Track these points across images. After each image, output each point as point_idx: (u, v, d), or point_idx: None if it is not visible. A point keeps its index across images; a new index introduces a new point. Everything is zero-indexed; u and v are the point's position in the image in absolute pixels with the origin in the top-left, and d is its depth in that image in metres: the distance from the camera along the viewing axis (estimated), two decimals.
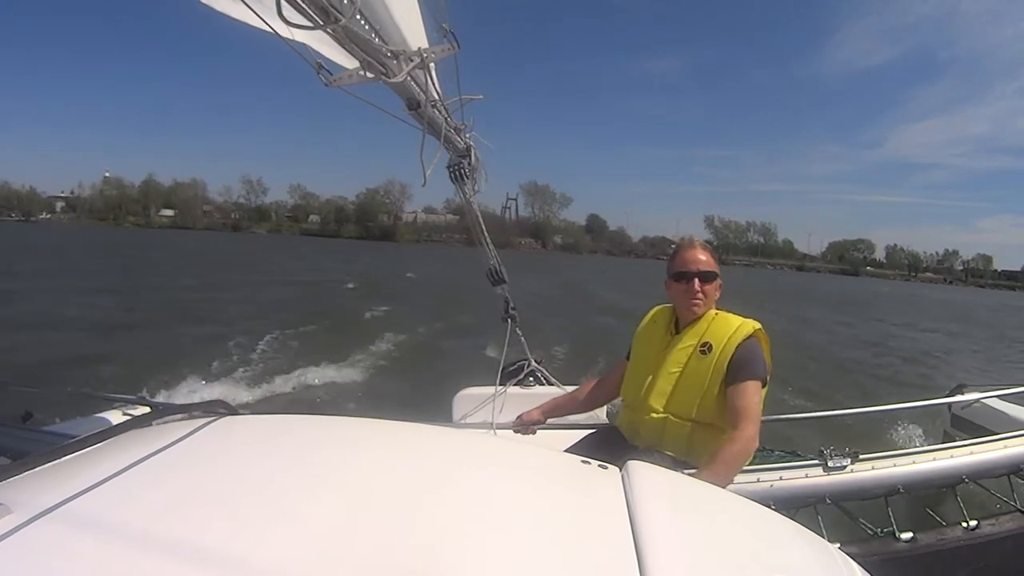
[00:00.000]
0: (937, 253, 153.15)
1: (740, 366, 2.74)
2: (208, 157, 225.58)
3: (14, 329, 11.80)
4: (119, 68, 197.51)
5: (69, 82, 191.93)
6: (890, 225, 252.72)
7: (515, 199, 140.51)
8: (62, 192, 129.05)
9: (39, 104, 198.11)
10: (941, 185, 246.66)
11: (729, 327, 2.84)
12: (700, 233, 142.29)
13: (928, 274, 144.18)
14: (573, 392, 3.57)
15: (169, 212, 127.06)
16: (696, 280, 2.90)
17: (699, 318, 2.93)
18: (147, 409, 2.36)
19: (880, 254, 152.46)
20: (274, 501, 1.07)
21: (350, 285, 25.87)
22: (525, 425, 3.39)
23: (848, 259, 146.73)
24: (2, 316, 13.26)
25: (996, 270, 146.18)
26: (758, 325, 2.87)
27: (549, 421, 3.42)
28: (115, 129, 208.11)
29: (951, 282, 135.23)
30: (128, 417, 1.59)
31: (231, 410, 1.56)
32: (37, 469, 1.10)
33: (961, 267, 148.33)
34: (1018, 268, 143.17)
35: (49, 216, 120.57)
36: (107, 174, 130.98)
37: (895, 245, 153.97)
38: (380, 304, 17.53)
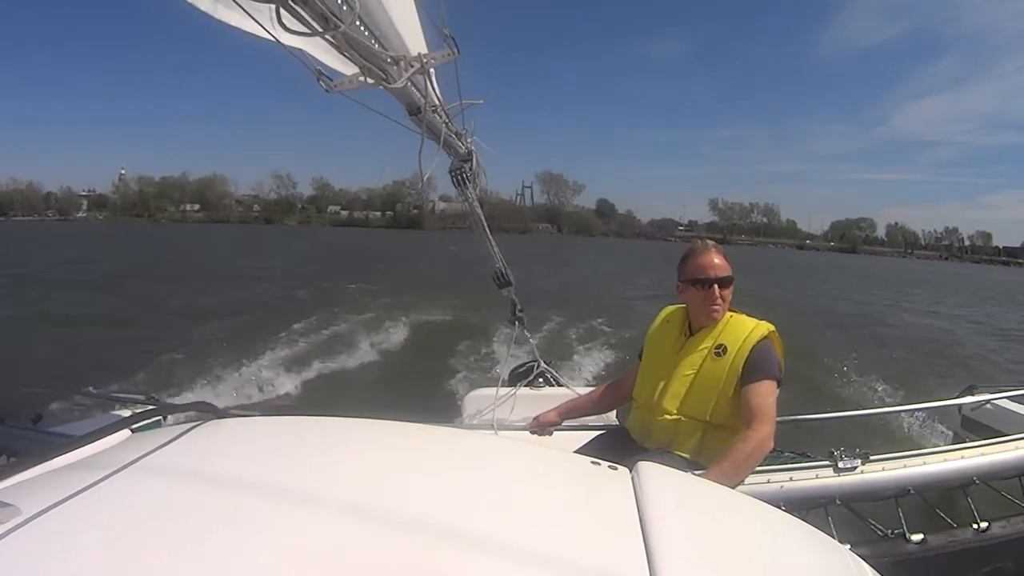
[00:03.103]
0: (936, 231, 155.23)
1: (755, 367, 2.75)
2: (226, 153, 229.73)
3: (39, 326, 11.89)
4: (130, 65, 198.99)
5: (81, 81, 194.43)
6: (896, 203, 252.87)
7: (530, 186, 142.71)
8: (83, 191, 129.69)
9: (52, 103, 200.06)
10: (947, 162, 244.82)
11: (744, 329, 2.85)
12: (704, 215, 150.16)
13: (924, 251, 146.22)
14: (589, 393, 3.60)
15: (195, 207, 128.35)
16: (716, 287, 2.89)
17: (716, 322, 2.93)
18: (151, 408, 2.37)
19: (882, 232, 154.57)
20: (276, 504, 1.07)
21: (452, 248, 31.34)
22: (541, 426, 3.41)
23: (848, 238, 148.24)
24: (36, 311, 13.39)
25: (996, 246, 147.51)
26: (772, 327, 2.88)
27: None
28: (129, 126, 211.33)
29: (946, 258, 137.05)
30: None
31: (221, 412, 1.56)
32: (30, 470, 1.10)
33: (958, 244, 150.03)
34: (1019, 244, 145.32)
35: (85, 215, 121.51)
36: (122, 171, 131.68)
37: (896, 223, 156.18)
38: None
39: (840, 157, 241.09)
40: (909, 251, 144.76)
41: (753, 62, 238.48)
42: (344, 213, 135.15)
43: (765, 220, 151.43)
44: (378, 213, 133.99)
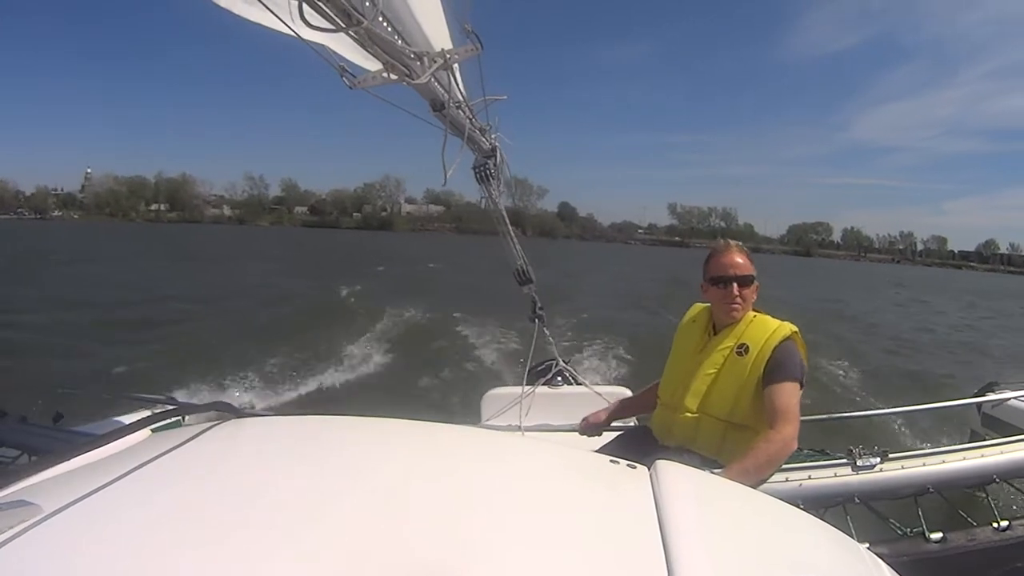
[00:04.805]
0: (890, 235, 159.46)
1: (777, 367, 2.72)
2: (195, 152, 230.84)
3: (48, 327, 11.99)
4: (96, 60, 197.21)
5: (41, 77, 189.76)
6: (858, 208, 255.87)
7: None
8: (51, 189, 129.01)
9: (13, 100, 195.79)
10: (909, 168, 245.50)
11: (766, 329, 2.83)
12: (663, 219, 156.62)
13: (878, 254, 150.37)
14: (639, 393, 3.58)
15: (162, 207, 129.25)
16: (735, 285, 2.88)
17: (738, 320, 2.92)
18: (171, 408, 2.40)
19: (838, 236, 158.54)
20: (296, 503, 1.07)
21: (431, 264, 32.38)
22: (591, 427, 3.45)
23: (804, 241, 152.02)
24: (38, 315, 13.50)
25: (951, 251, 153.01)
26: (795, 328, 2.86)
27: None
28: (93, 124, 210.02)
29: (898, 261, 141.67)
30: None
31: (240, 412, 1.57)
32: (51, 469, 1.12)
33: (912, 248, 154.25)
34: (972, 249, 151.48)
35: (60, 213, 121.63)
36: (89, 170, 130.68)
37: (851, 228, 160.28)
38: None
39: (802, 162, 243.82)
40: (862, 255, 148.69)
41: (716, 67, 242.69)
42: (310, 214, 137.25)
43: (723, 224, 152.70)
44: (350, 215, 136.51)
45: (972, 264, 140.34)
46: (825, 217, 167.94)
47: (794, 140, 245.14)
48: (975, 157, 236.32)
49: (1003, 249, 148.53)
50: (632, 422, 3.73)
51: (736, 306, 2.89)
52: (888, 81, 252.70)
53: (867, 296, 34.87)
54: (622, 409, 3.49)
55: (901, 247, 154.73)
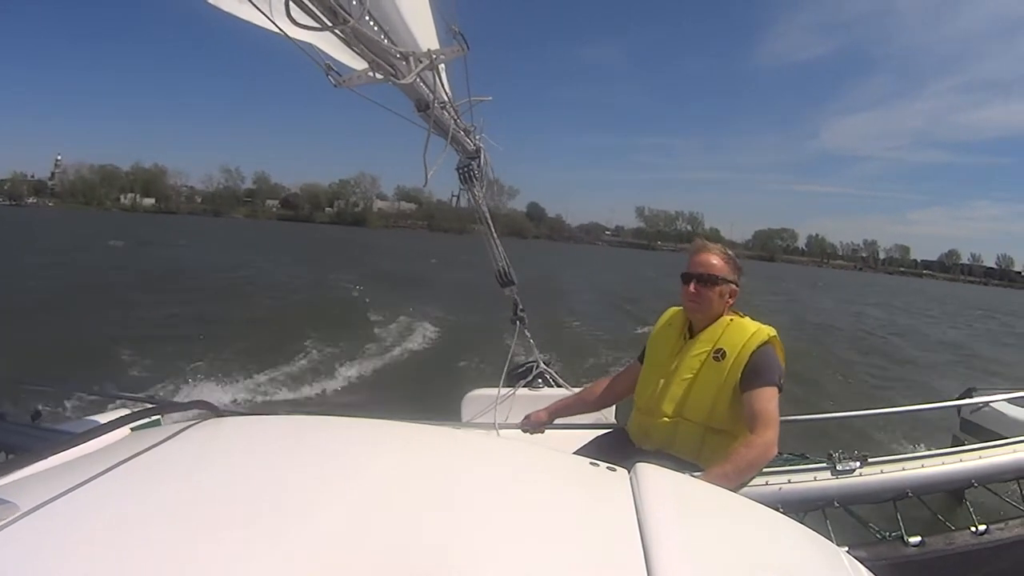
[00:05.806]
0: (854, 243, 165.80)
1: (756, 372, 2.71)
2: (166, 141, 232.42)
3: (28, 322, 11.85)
4: (61, 43, 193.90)
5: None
6: (823, 215, 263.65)
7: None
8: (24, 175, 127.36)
9: None
10: (875, 177, 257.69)
11: (744, 333, 2.81)
12: (631, 222, 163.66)
13: (840, 261, 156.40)
14: (581, 392, 3.56)
15: (148, 199, 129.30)
16: (692, 282, 2.88)
17: (713, 323, 2.90)
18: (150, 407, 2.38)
19: (803, 243, 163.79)
20: (275, 503, 1.07)
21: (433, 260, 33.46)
22: (532, 426, 3.38)
23: (769, 247, 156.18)
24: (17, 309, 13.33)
25: (914, 259, 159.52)
26: (773, 332, 2.84)
27: (557, 422, 3.41)
28: (64, 111, 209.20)
29: (860, 269, 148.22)
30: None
31: (220, 411, 1.56)
32: (29, 467, 1.11)
33: (875, 256, 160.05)
34: (935, 259, 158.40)
35: (35, 200, 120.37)
36: (59, 157, 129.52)
37: (816, 235, 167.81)
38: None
39: (769, 168, 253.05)
40: (825, 261, 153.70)
41: (686, 71, 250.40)
42: (279, 207, 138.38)
43: (689, 228, 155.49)
44: (323, 209, 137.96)
45: (933, 273, 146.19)
46: (791, 223, 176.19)
47: (762, 147, 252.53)
48: (941, 168, 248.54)
49: (965, 260, 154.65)
50: (614, 422, 3.73)
51: (691, 304, 2.91)
52: (857, 91, 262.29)
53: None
54: (564, 408, 3.45)
55: (864, 255, 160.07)
